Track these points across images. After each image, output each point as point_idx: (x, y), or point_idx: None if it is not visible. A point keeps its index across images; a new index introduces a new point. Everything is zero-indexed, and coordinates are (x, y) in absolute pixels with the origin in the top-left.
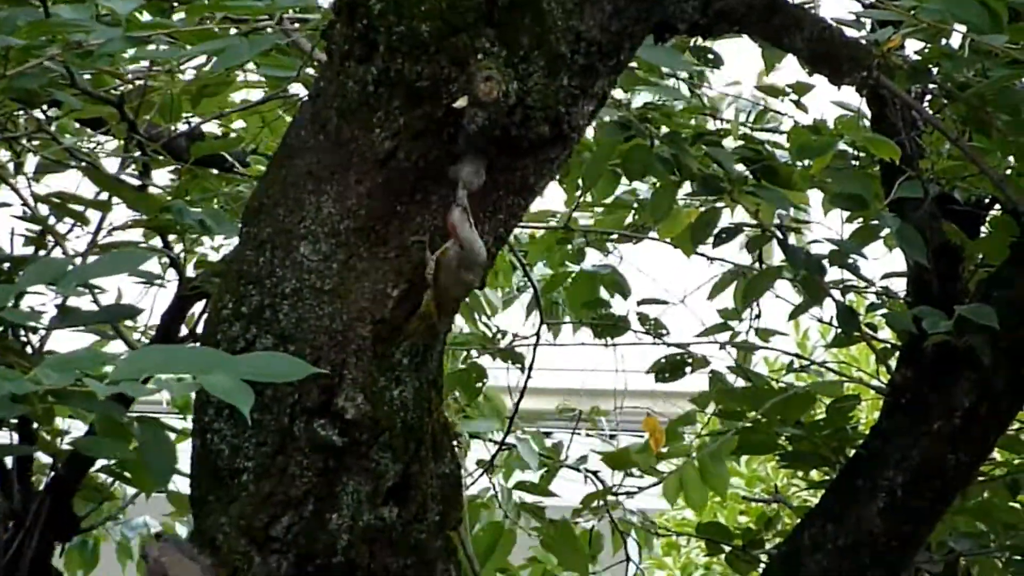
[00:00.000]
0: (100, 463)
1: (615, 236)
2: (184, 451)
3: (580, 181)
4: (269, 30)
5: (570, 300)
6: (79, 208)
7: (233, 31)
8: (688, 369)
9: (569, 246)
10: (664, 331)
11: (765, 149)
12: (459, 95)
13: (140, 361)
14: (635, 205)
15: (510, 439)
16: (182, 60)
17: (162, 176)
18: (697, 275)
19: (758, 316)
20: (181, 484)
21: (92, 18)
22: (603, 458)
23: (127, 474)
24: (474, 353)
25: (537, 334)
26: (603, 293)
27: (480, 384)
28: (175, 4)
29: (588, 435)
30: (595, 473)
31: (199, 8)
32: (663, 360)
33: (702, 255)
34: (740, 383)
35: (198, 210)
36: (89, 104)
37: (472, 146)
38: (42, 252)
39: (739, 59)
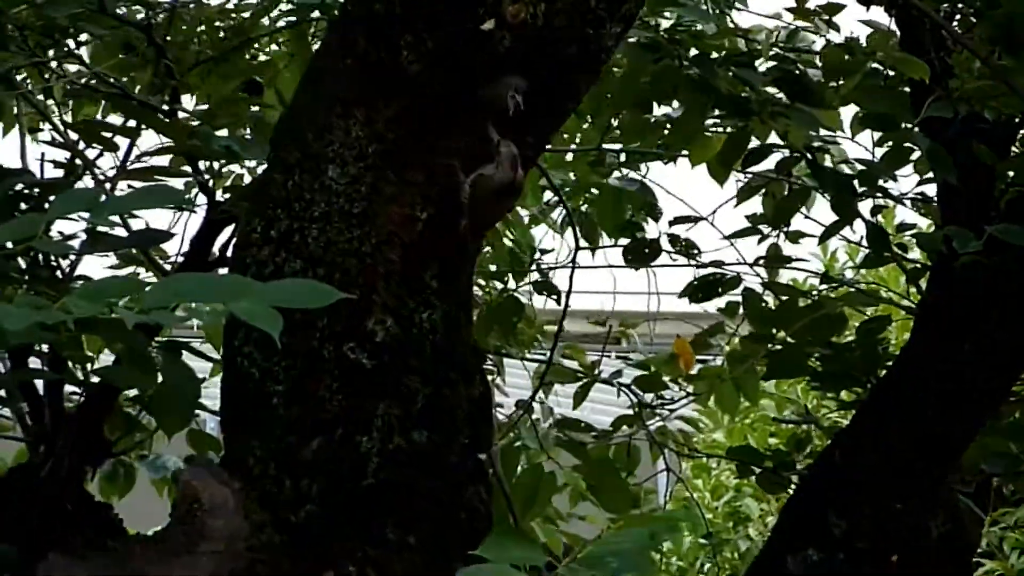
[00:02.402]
0: (131, 393)
1: (643, 155)
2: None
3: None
4: None
5: (599, 217)
6: (108, 135)
7: None
8: (720, 289)
9: (599, 167)
10: (696, 251)
11: (798, 68)
12: (487, 17)
13: (169, 289)
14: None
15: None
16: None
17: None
18: (726, 194)
19: (788, 225)
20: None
21: None
22: (634, 381)
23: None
24: (510, 284)
25: (573, 259)
26: (635, 213)
27: (516, 319)
28: None
29: (618, 357)
30: (628, 387)
31: None
32: (695, 281)
33: (734, 174)
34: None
35: (224, 134)
36: (118, 31)
37: (500, 69)
38: (72, 178)
39: None
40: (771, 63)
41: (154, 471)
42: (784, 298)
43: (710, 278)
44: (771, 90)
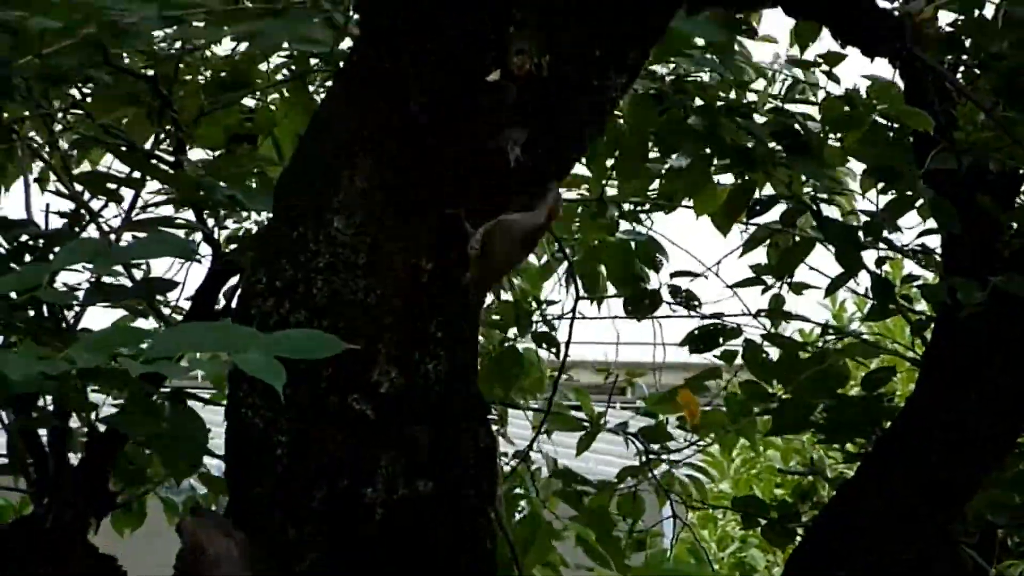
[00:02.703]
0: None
1: (647, 207)
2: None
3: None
4: (304, 9)
5: (607, 271)
6: (112, 185)
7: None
8: (721, 339)
9: (601, 219)
10: (697, 303)
11: (797, 121)
12: (492, 68)
13: (174, 339)
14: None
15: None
16: (217, 41)
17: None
18: (728, 244)
19: (791, 276)
20: (212, 466)
21: None
22: (640, 431)
23: (157, 456)
24: (510, 333)
25: (573, 310)
26: (640, 265)
27: (517, 372)
28: None
29: (623, 408)
30: (634, 436)
31: None
32: (696, 331)
33: (737, 225)
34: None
35: (226, 186)
36: (123, 82)
37: (505, 118)
38: (76, 229)
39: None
40: (770, 115)
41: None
42: (787, 347)
43: (711, 328)
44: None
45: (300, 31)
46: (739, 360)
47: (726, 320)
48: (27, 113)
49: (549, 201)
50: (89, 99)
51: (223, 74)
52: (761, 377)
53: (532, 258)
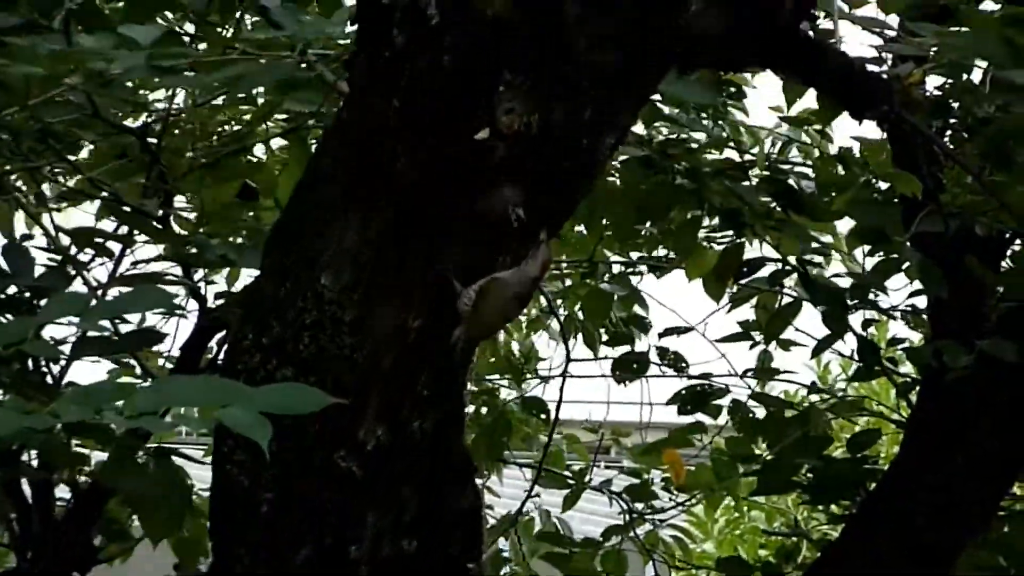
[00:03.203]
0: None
1: (636, 269)
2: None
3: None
4: (291, 61)
5: (587, 315)
6: (100, 240)
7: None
8: (708, 400)
9: (591, 280)
10: (684, 364)
11: (792, 181)
12: (481, 126)
13: (159, 394)
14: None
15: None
16: (203, 90)
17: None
18: (714, 304)
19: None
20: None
21: (114, 47)
22: (624, 489)
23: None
24: (503, 393)
25: (564, 369)
26: (625, 325)
27: (506, 439)
28: (196, 36)
29: (608, 467)
30: (619, 495)
31: (221, 40)
32: (683, 392)
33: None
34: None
35: (217, 242)
36: (111, 135)
37: (494, 178)
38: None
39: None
40: (765, 173)
41: None
42: (771, 409)
43: (698, 389)
44: (765, 199)
45: (282, 76)
46: (723, 417)
47: (713, 380)
48: (15, 167)
49: (541, 256)
50: (79, 153)
51: (213, 131)
52: (747, 436)
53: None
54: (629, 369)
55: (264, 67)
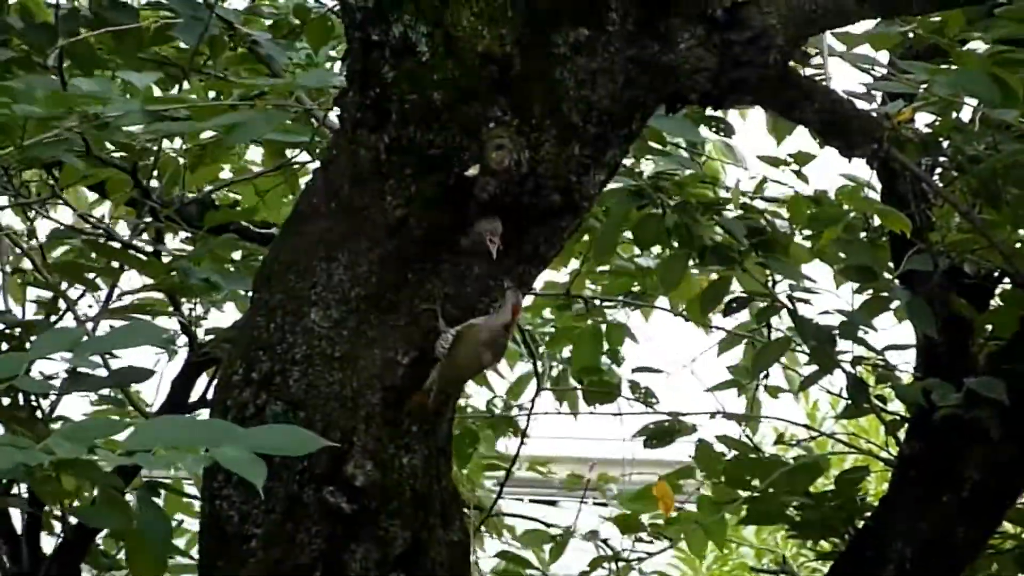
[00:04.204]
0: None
1: (618, 302)
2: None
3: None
4: (285, 107)
5: (575, 359)
6: (90, 275)
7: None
8: (674, 437)
9: (574, 312)
10: (654, 399)
11: (765, 219)
12: (471, 163)
13: (151, 432)
14: (634, 269)
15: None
16: (197, 134)
17: (173, 242)
18: (702, 339)
19: (766, 376)
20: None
21: (110, 90)
22: (613, 519)
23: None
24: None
25: (532, 402)
26: (613, 347)
27: (471, 451)
28: (187, 76)
29: (595, 504)
30: (604, 541)
31: (213, 85)
32: (651, 426)
33: (707, 325)
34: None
35: (201, 269)
36: (100, 170)
37: (483, 215)
38: (53, 317)
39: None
40: (738, 211)
41: None
42: (736, 452)
43: (665, 425)
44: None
45: (279, 124)
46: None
47: (683, 418)
48: (5, 203)
49: (510, 302)
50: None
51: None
52: (713, 475)
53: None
54: (599, 397)
55: (260, 116)
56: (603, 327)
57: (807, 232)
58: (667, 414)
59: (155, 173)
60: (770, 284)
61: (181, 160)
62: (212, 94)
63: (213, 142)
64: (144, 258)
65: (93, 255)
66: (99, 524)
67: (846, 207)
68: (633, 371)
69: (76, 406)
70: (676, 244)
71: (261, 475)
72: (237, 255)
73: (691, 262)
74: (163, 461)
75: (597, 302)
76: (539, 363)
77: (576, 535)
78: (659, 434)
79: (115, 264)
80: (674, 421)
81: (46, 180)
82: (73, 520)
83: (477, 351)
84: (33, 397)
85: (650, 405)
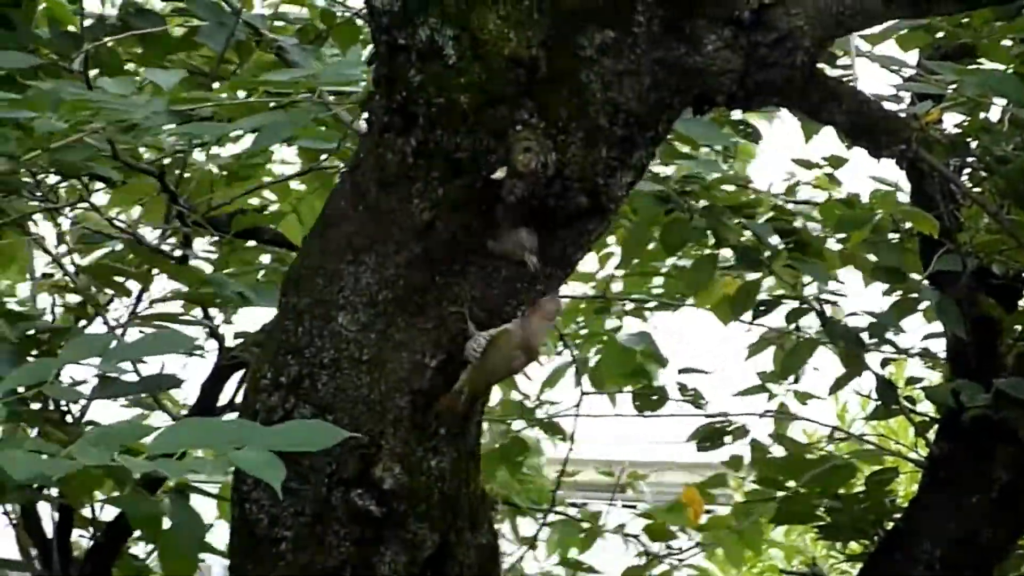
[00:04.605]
0: (137, 533)
1: (652, 304)
2: (220, 526)
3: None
4: (309, 103)
5: (605, 369)
6: (120, 279)
7: (272, 104)
8: (728, 438)
9: (605, 315)
10: (704, 401)
11: (798, 221)
12: (498, 166)
13: (175, 436)
14: (665, 271)
15: (552, 515)
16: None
17: (201, 246)
18: (733, 340)
19: (796, 380)
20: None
21: (134, 93)
22: (644, 529)
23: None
24: (515, 424)
25: (577, 406)
26: (644, 363)
27: (521, 459)
28: (214, 77)
29: (625, 506)
30: (636, 537)
31: (240, 83)
32: (702, 428)
33: (740, 320)
34: (780, 451)
35: (235, 281)
36: (129, 176)
37: (510, 217)
38: (83, 322)
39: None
40: (770, 213)
41: None
42: (789, 452)
43: (717, 426)
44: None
45: (304, 125)
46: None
47: (732, 418)
48: (35, 208)
49: (545, 309)
50: (97, 194)
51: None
52: (768, 475)
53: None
54: (648, 402)
55: (286, 116)
56: (637, 346)
57: (840, 235)
58: (717, 415)
59: (184, 176)
60: (800, 286)
61: (211, 168)
62: (241, 94)
63: (246, 155)
64: (175, 263)
65: (130, 256)
66: (133, 511)
67: (871, 210)
68: (679, 372)
69: (108, 410)
70: (703, 247)
71: (278, 476)
72: (266, 259)
73: (718, 265)
74: (185, 467)
75: (630, 305)
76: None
77: (606, 532)
78: (711, 435)
79: (146, 269)
80: (725, 422)
81: (74, 185)
82: (108, 515)
83: (510, 356)
84: (63, 402)
85: (700, 406)
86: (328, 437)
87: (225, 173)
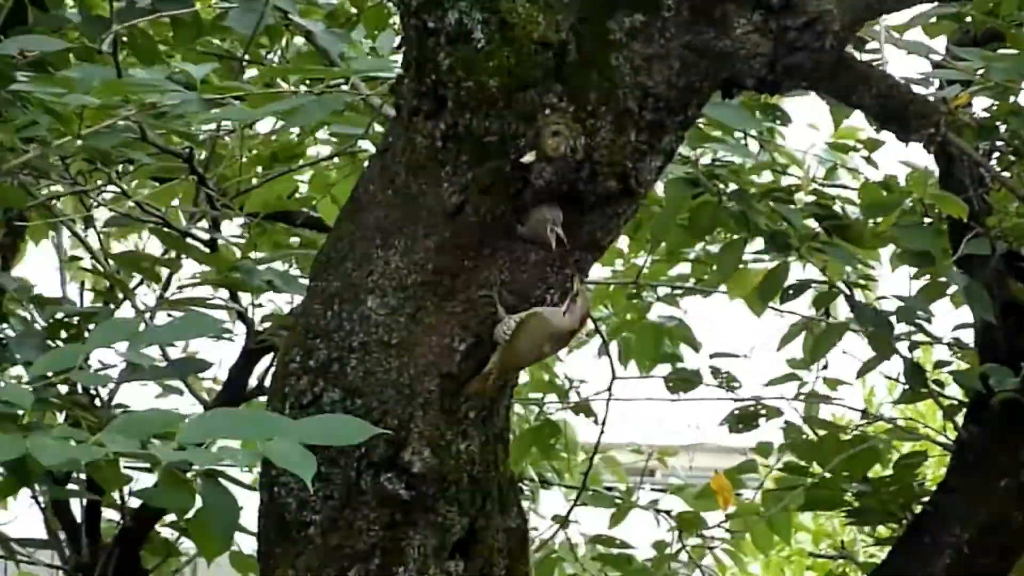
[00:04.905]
0: (167, 518)
1: (682, 290)
2: (250, 508)
3: (648, 236)
4: (340, 89)
5: (637, 352)
6: (148, 264)
7: (303, 90)
8: (762, 420)
9: (636, 300)
10: (737, 384)
11: (836, 205)
12: (527, 150)
13: (204, 425)
14: (699, 258)
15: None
16: (254, 122)
17: (230, 228)
18: (764, 326)
19: (825, 367)
20: (245, 545)
21: (166, 79)
22: (675, 517)
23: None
24: (547, 407)
25: (609, 389)
26: (674, 346)
27: (553, 441)
28: (246, 63)
29: (654, 489)
30: (668, 513)
31: (273, 70)
32: (736, 412)
33: (771, 308)
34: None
35: (265, 268)
36: (160, 159)
37: (539, 201)
38: (111, 306)
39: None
40: (810, 198)
41: None
42: (823, 432)
43: (751, 409)
44: (810, 223)
45: (335, 110)
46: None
47: (765, 402)
48: (64, 191)
49: (580, 308)
50: (126, 177)
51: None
52: (802, 457)
53: None
54: (682, 384)
55: (316, 101)
56: (665, 323)
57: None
58: (747, 399)
59: (211, 162)
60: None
61: (238, 150)
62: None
63: (279, 137)
64: (206, 250)
65: (159, 242)
66: (161, 504)
67: (907, 193)
68: (711, 356)
69: (137, 393)
70: (733, 231)
71: (310, 469)
72: (294, 241)
73: (749, 250)
74: (215, 458)
75: (664, 291)
76: (609, 352)
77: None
78: (745, 418)
79: (175, 255)
80: (758, 405)
81: (104, 169)
82: (135, 502)
83: (539, 342)
84: (92, 386)
85: (732, 390)
86: (358, 432)
87: (255, 154)
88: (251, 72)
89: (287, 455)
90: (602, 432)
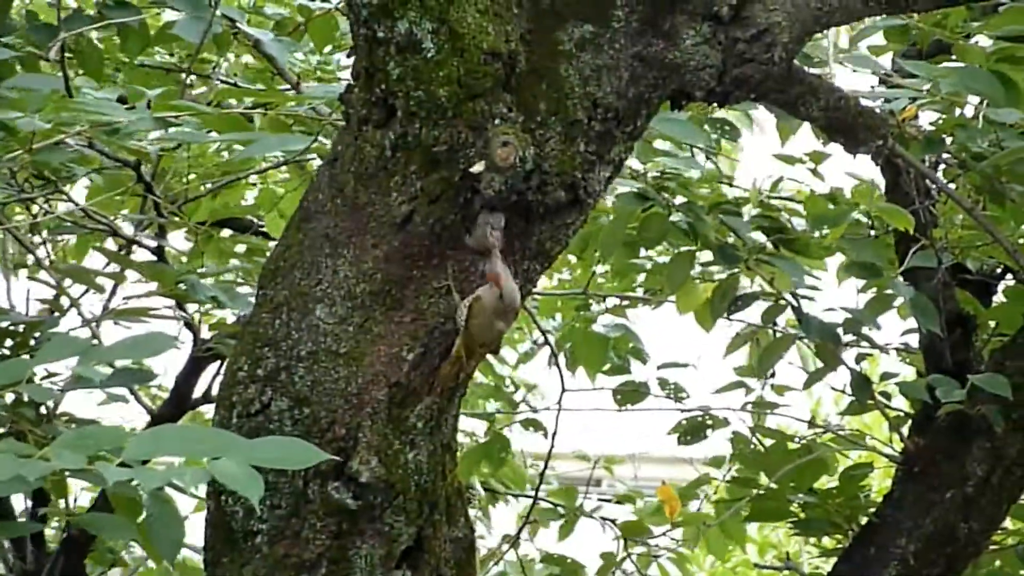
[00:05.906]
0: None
1: (629, 301)
2: (195, 520)
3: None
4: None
5: (583, 360)
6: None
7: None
8: (709, 431)
9: (584, 312)
10: (685, 395)
11: (783, 217)
12: (476, 160)
13: (152, 442)
14: (648, 268)
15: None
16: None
17: (177, 237)
18: (711, 335)
19: (772, 375)
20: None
21: (117, 100)
22: (619, 526)
23: (136, 542)
24: (494, 410)
25: (559, 402)
26: (620, 356)
27: (503, 455)
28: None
29: (600, 499)
30: (612, 521)
31: (227, 93)
32: (683, 422)
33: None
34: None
35: (210, 282)
36: (107, 171)
37: (489, 210)
38: (57, 315)
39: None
40: (757, 210)
41: None
42: (771, 442)
43: (698, 420)
44: (757, 235)
45: (293, 147)
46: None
47: (712, 412)
48: (9, 199)
49: (505, 279)
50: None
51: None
52: (749, 468)
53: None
54: (630, 397)
55: (274, 137)
56: (612, 333)
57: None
58: (695, 410)
59: (156, 173)
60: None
61: (186, 166)
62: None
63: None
64: (152, 261)
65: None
66: (100, 532)
67: (853, 206)
68: (659, 367)
69: (82, 401)
70: (682, 244)
71: (258, 490)
72: (240, 249)
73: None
74: (162, 477)
75: (614, 302)
76: (559, 363)
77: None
78: (692, 429)
79: (120, 269)
80: (705, 416)
81: (51, 177)
82: (83, 503)
83: (489, 320)
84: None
85: (680, 400)
86: (307, 457)
87: (203, 168)
88: (200, 89)
89: (234, 475)
90: (552, 446)
